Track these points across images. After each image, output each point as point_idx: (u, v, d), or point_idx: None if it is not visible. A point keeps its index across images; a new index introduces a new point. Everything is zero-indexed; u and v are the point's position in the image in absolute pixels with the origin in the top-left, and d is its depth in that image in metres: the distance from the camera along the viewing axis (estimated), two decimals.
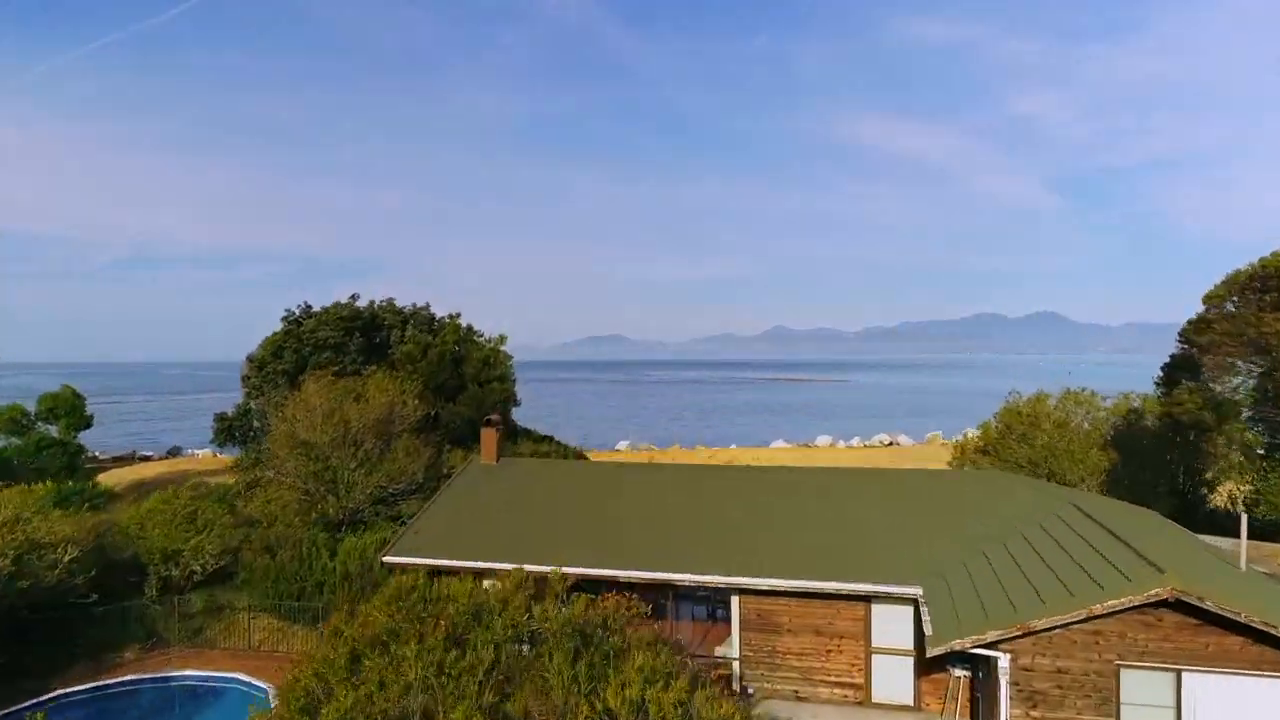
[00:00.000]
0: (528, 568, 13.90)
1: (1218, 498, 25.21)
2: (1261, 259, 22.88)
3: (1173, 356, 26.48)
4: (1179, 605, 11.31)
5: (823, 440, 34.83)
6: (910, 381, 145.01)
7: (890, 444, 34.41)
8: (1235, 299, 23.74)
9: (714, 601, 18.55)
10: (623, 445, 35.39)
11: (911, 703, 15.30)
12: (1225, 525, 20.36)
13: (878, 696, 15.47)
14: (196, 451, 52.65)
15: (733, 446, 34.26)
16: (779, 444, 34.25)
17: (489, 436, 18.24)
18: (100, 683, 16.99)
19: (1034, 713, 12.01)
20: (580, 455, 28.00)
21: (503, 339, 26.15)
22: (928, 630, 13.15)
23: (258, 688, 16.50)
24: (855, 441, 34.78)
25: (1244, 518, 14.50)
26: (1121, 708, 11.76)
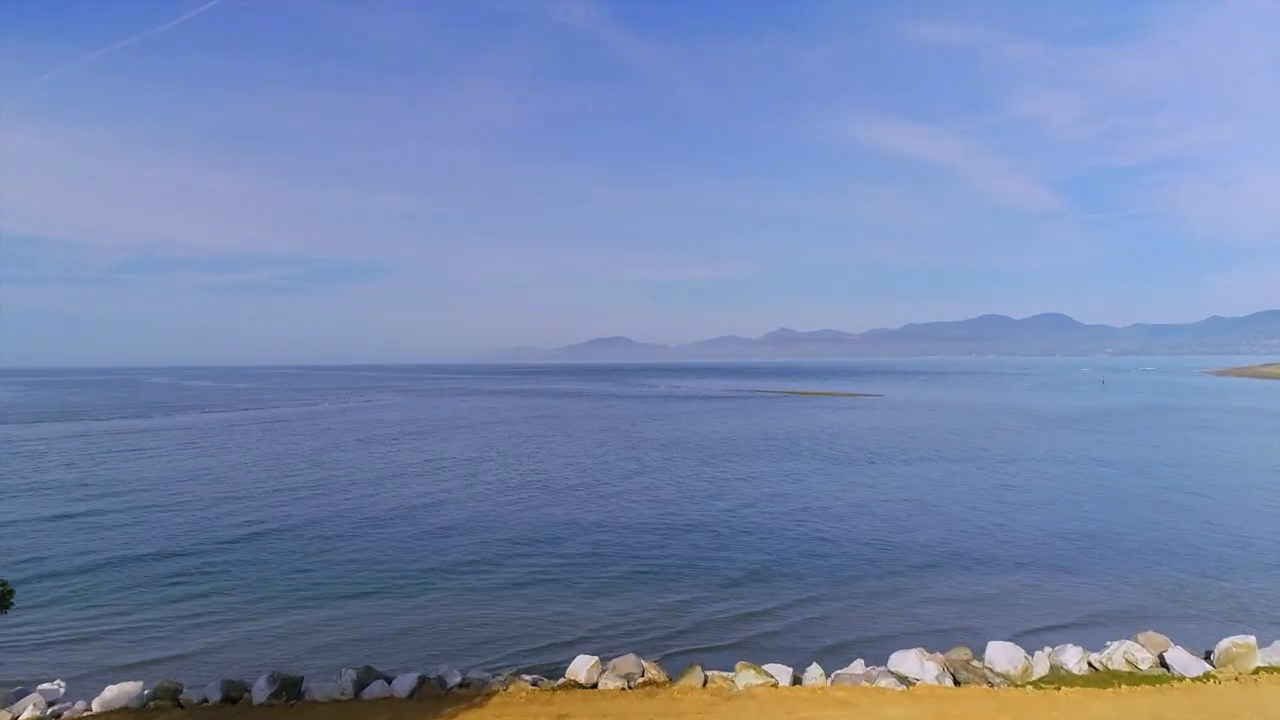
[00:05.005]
0: None
1: None
2: None
3: None
4: None
5: (999, 659, 16.79)
6: (942, 398, 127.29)
7: (1167, 673, 16.49)
8: None
9: None
10: (581, 668, 17.27)
11: None
12: None
13: None
14: None
15: (815, 675, 16.41)
16: (911, 669, 16.26)
17: None
18: None
19: None
20: None
21: None
22: None
23: None
24: (1072, 662, 16.75)
25: None
26: None
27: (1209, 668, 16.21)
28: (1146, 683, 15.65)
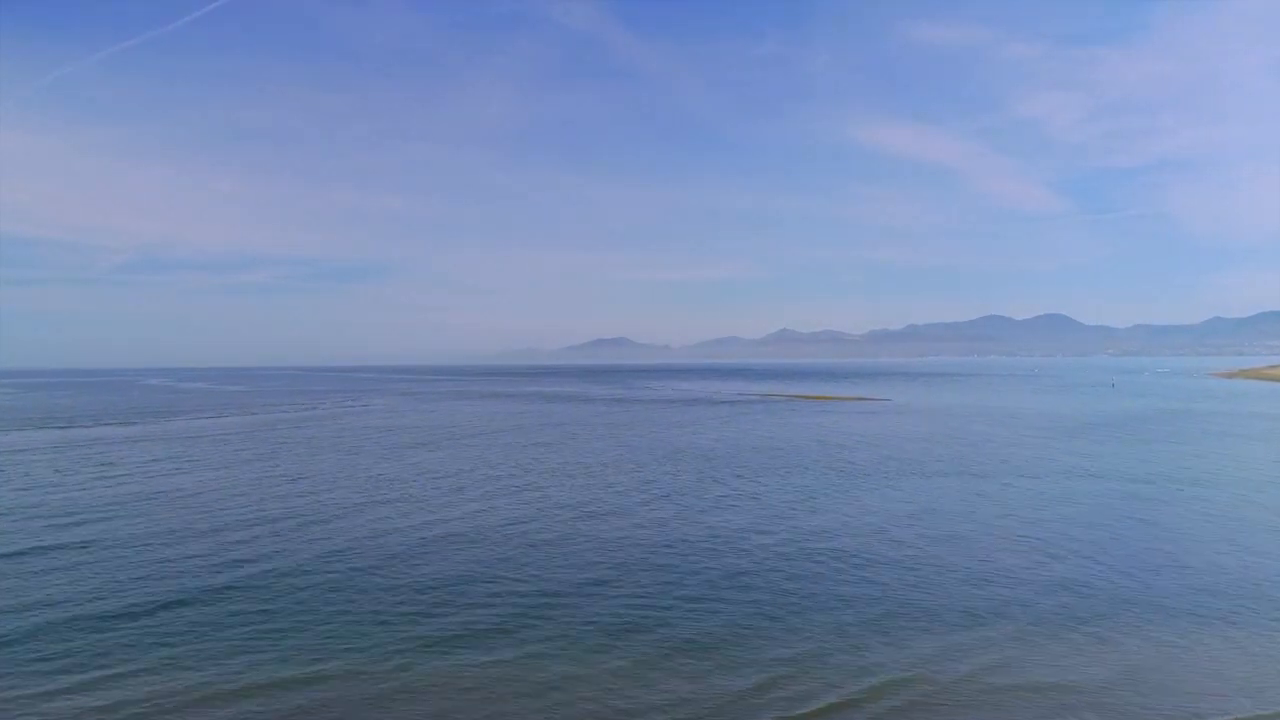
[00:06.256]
0: None
1: None
2: None
3: None
4: None
5: None
6: (950, 402, 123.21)
7: None
8: None
9: None
10: None
11: None
12: None
13: None
14: None
15: None
16: None
17: None
18: None
19: None
20: None
21: None
22: None
23: None
24: None
25: None
26: None
27: None
28: None
